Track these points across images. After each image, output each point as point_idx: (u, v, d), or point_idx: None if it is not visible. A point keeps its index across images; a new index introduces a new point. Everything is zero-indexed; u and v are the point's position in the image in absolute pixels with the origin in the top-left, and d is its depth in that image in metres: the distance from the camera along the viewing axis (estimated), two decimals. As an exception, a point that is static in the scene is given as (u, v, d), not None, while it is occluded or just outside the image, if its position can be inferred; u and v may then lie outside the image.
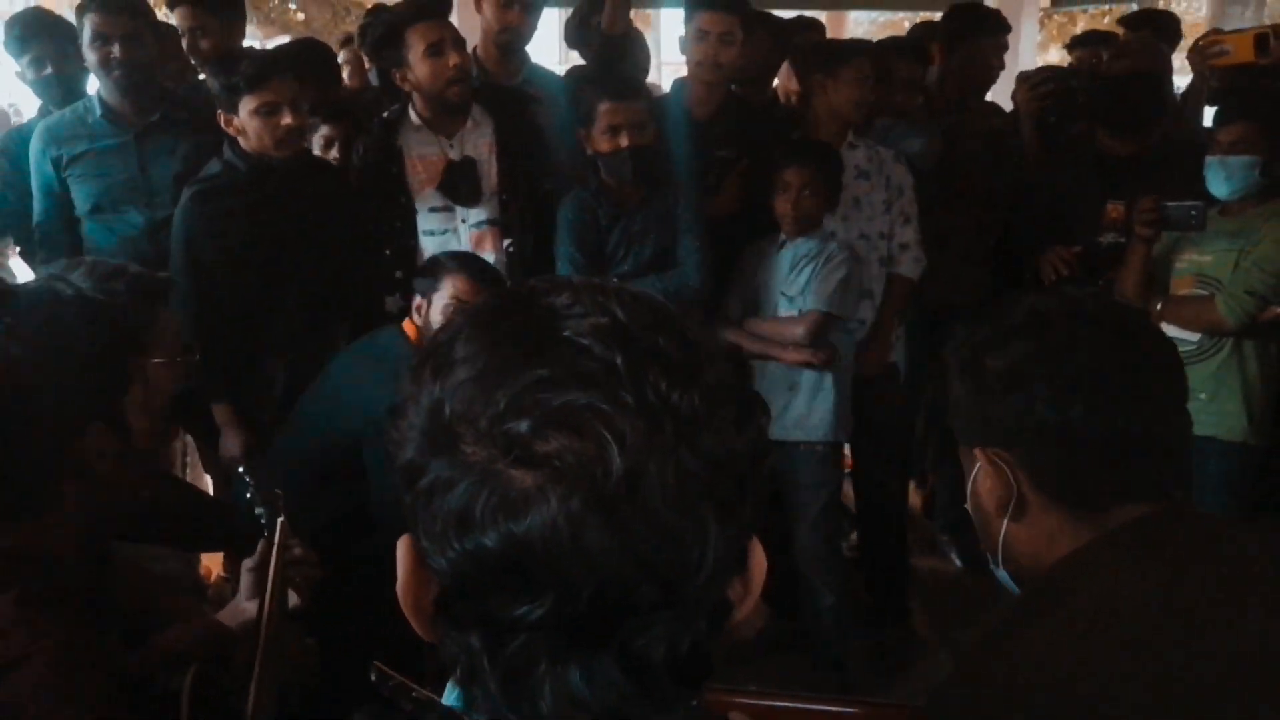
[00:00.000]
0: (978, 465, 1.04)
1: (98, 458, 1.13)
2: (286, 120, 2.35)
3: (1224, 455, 2.42)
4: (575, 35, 3.25)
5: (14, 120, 3.12)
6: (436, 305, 2.21)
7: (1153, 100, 2.87)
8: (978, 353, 1.02)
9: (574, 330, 0.54)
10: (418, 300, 2.25)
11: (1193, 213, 2.37)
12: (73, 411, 1.10)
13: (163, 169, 2.65)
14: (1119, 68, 2.95)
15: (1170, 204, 2.41)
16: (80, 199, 2.68)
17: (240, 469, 1.61)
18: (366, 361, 2.26)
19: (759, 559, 0.61)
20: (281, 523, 1.49)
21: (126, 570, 1.51)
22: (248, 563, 1.49)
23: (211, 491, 2.98)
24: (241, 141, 2.41)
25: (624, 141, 2.44)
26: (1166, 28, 3.85)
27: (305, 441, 2.28)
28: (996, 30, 3.23)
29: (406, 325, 2.28)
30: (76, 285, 1.30)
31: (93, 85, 2.84)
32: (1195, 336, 2.45)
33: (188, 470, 3.24)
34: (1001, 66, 3.26)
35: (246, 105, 2.35)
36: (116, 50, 2.58)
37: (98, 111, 2.68)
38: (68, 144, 2.66)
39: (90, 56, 2.62)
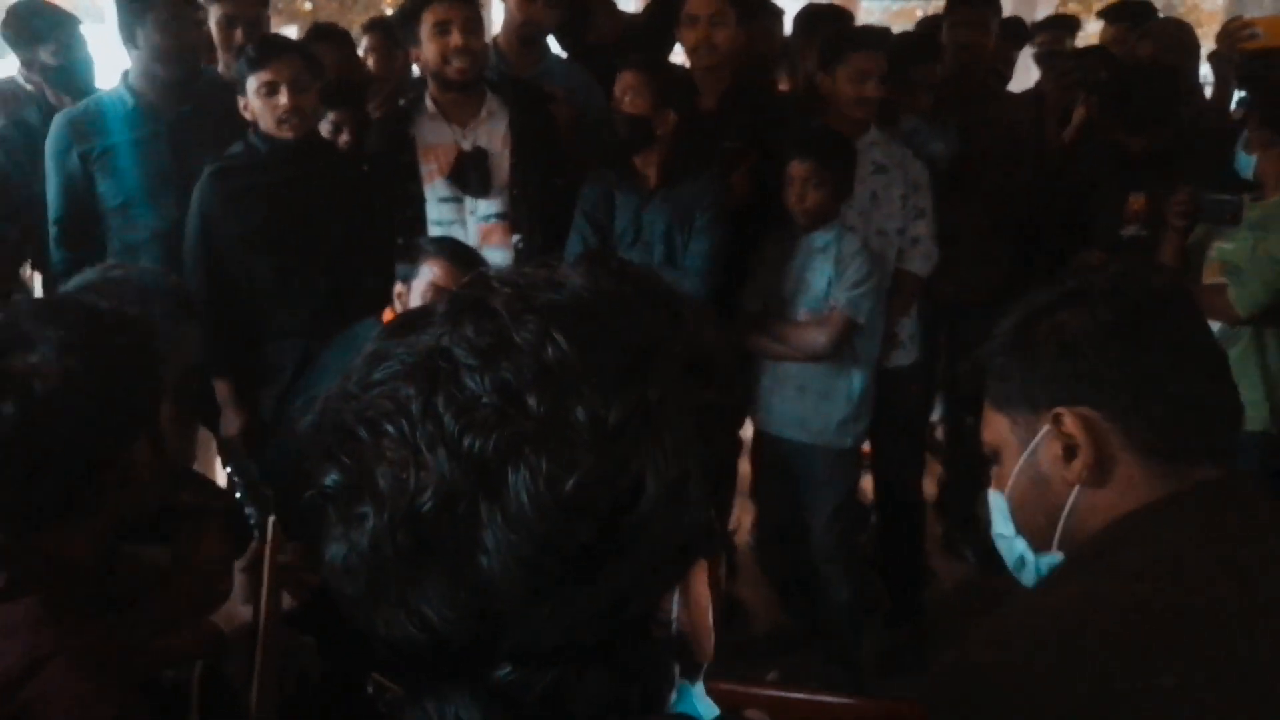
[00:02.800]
0: (1041, 433, 0.99)
1: (140, 467, 1.15)
2: (283, 100, 2.35)
3: (1246, 445, 2.37)
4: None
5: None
6: (415, 291, 2.18)
7: (1169, 95, 2.81)
8: (1054, 314, 1.00)
9: (402, 352, 0.53)
10: (399, 287, 2.22)
11: (1228, 206, 2.35)
12: (122, 424, 1.12)
13: (196, 159, 2.60)
14: (1141, 52, 2.90)
15: (1207, 195, 2.39)
16: (110, 193, 2.62)
17: (229, 469, 1.59)
18: (345, 355, 2.23)
19: (696, 595, 0.56)
20: (273, 522, 1.47)
21: (137, 569, 1.51)
22: (239, 564, 1.48)
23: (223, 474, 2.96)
24: (260, 123, 2.43)
25: (620, 108, 2.47)
26: (1144, 18, 3.80)
27: (293, 435, 2.25)
28: (967, 4, 3.20)
29: (387, 314, 2.25)
30: (112, 295, 1.32)
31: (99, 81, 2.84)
32: (1217, 325, 2.41)
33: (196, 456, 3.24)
34: (983, 40, 3.21)
35: (251, 85, 2.38)
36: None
37: (130, 102, 2.64)
38: (98, 136, 2.61)
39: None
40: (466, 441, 0.49)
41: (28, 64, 2.98)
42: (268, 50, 2.40)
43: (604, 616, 0.52)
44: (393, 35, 3.49)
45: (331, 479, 0.53)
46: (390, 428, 0.51)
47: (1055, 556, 1.03)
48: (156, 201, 2.62)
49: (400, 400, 0.51)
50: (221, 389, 2.46)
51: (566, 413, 0.49)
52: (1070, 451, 0.97)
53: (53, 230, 2.66)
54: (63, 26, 2.93)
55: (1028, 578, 1.07)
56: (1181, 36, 3.27)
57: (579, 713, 0.53)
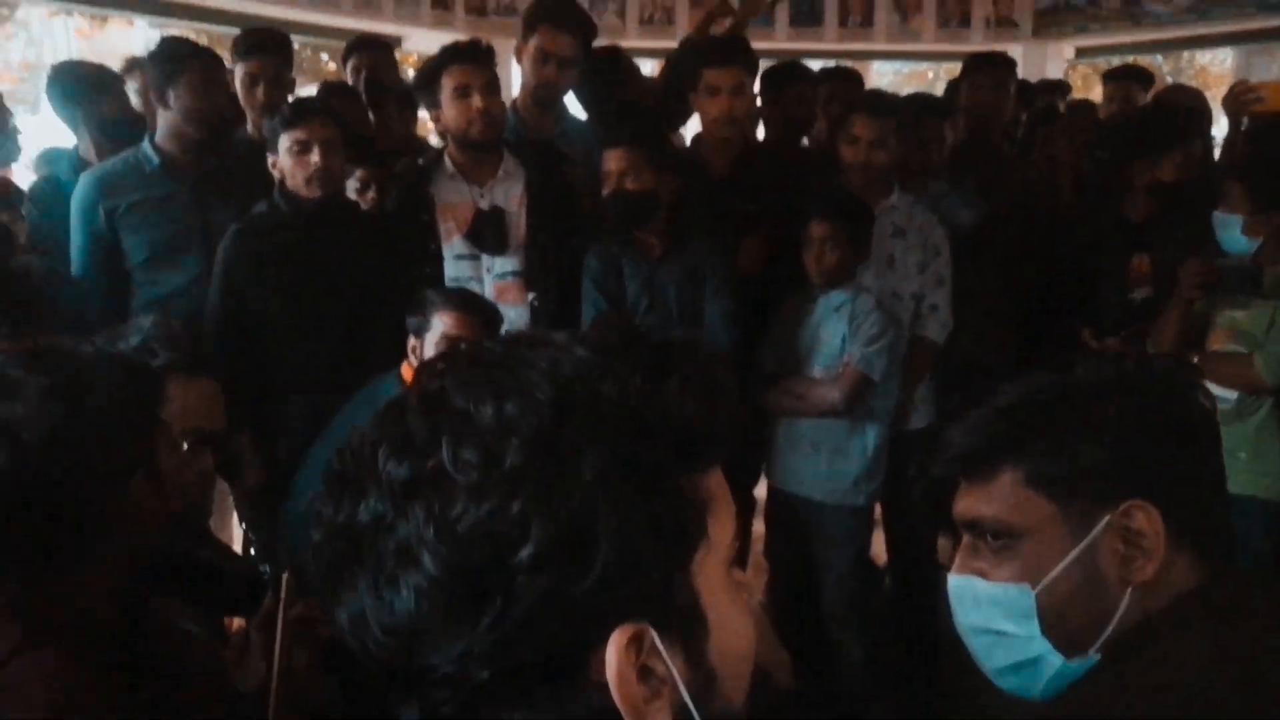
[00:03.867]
0: (1100, 526, 0.91)
1: (138, 509, 1.14)
2: (315, 159, 2.40)
3: (1263, 514, 2.36)
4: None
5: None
6: (429, 343, 2.20)
7: (1188, 122, 2.86)
8: (1105, 402, 0.94)
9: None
10: (412, 341, 2.25)
11: (1248, 275, 2.36)
12: (116, 465, 1.11)
13: (220, 216, 2.65)
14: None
15: (1222, 265, 2.40)
16: (135, 249, 2.66)
17: (244, 525, 1.60)
18: (364, 409, 2.25)
19: (610, 660, 0.55)
20: (286, 579, 1.48)
21: (159, 625, 1.50)
22: (255, 622, 1.48)
23: (239, 529, 2.96)
24: (287, 182, 2.47)
25: (609, 188, 2.49)
26: (1145, 80, 3.88)
27: (310, 491, 2.26)
28: (986, 68, 3.28)
29: (405, 369, 2.27)
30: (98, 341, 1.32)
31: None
32: (1234, 394, 2.40)
33: (214, 509, 3.24)
34: (999, 103, 3.27)
35: (283, 143, 2.43)
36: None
37: (155, 160, 2.69)
38: (123, 193, 2.66)
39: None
40: (388, 469, 0.55)
41: (77, 118, 3.03)
42: (302, 110, 2.45)
43: (500, 654, 0.53)
44: (399, 98, 3.59)
45: (313, 501, 0.59)
46: (350, 456, 0.58)
47: (1091, 659, 0.94)
48: (179, 258, 2.66)
49: (362, 434, 0.59)
50: (243, 442, 2.46)
51: (468, 455, 0.53)
52: (1132, 548, 0.91)
53: (82, 284, 2.69)
54: (118, 83, 3.04)
55: (1034, 684, 0.97)
56: (1194, 103, 3.32)
57: None
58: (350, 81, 3.37)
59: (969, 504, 0.98)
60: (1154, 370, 0.98)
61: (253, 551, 2.47)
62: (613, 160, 2.50)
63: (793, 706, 2.82)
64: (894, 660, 2.97)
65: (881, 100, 3.00)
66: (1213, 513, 0.96)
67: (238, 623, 3.16)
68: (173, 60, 2.69)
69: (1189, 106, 3.26)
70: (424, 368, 0.61)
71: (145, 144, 2.73)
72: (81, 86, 2.99)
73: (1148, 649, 0.90)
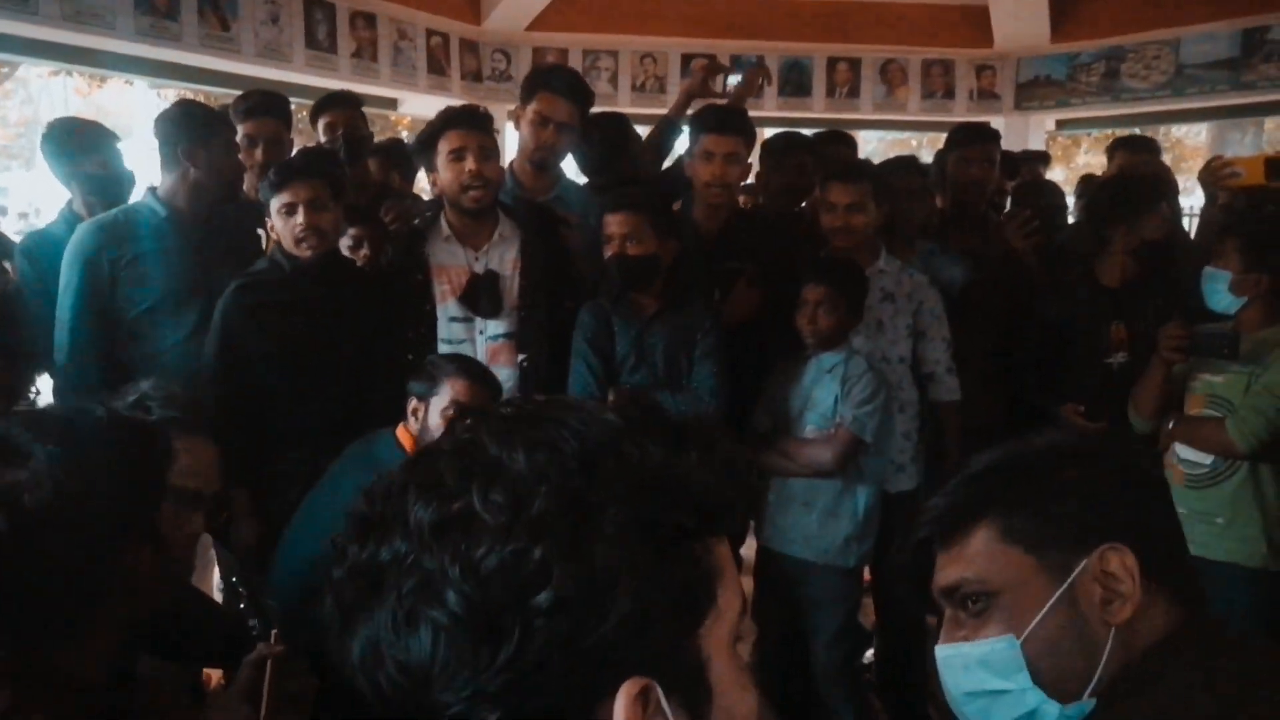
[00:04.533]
0: (1077, 571, 0.96)
1: (138, 574, 1.13)
2: (299, 219, 2.44)
3: (1247, 581, 2.37)
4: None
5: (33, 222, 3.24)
6: (434, 409, 2.22)
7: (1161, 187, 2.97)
8: (1078, 462, 1.01)
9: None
10: (413, 404, 2.26)
11: (1223, 340, 2.37)
12: (114, 530, 1.10)
13: (220, 272, 2.67)
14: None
15: (1201, 330, 2.43)
16: (137, 299, 2.66)
17: (234, 579, 1.60)
18: (357, 467, 2.26)
19: (618, 712, 0.56)
20: (275, 634, 1.48)
21: (144, 681, 1.49)
22: (240, 675, 1.47)
23: (220, 583, 2.93)
24: (282, 242, 2.52)
25: (612, 249, 2.54)
26: (1153, 150, 4.02)
27: (300, 548, 2.26)
28: (976, 141, 3.37)
29: (400, 431, 2.28)
30: (109, 404, 1.31)
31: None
32: (1209, 459, 2.43)
33: (195, 563, 3.21)
34: (986, 175, 3.36)
35: (274, 206, 2.48)
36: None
37: (162, 213, 2.72)
38: (129, 244, 2.67)
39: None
40: (416, 510, 0.57)
41: (67, 175, 3.08)
42: (286, 173, 2.49)
43: (510, 697, 0.54)
44: (392, 159, 3.64)
45: (336, 539, 0.61)
46: (376, 499, 0.60)
47: (1087, 704, 0.96)
48: (179, 311, 2.68)
49: (390, 478, 0.61)
50: (239, 498, 2.46)
51: (496, 499, 0.55)
52: (1110, 592, 0.95)
53: (66, 335, 2.66)
54: (107, 140, 3.07)
55: None
56: (1159, 171, 3.45)
57: None
58: (323, 138, 3.42)
59: (947, 572, 1.02)
60: (1107, 437, 1.08)
61: (243, 606, 2.45)
62: (615, 224, 2.55)
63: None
64: (882, 722, 2.94)
65: (854, 166, 3.08)
66: (1181, 559, 1.01)
67: (216, 675, 3.13)
68: (207, 123, 2.78)
69: (1155, 173, 3.38)
70: (455, 422, 0.63)
71: (149, 197, 2.76)
72: (71, 144, 3.03)
73: (1139, 688, 0.93)
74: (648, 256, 2.55)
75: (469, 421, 0.62)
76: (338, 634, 0.60)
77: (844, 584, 2.65)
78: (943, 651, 1.03)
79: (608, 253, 2.56)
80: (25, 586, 1.04)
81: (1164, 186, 3.01)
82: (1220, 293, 2.44)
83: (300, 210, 2.44)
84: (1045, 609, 0.95)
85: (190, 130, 2.73)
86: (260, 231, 2.97)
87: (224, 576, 2.94)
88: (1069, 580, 0.95)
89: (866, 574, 2.89)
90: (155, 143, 2.77)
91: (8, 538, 1.02)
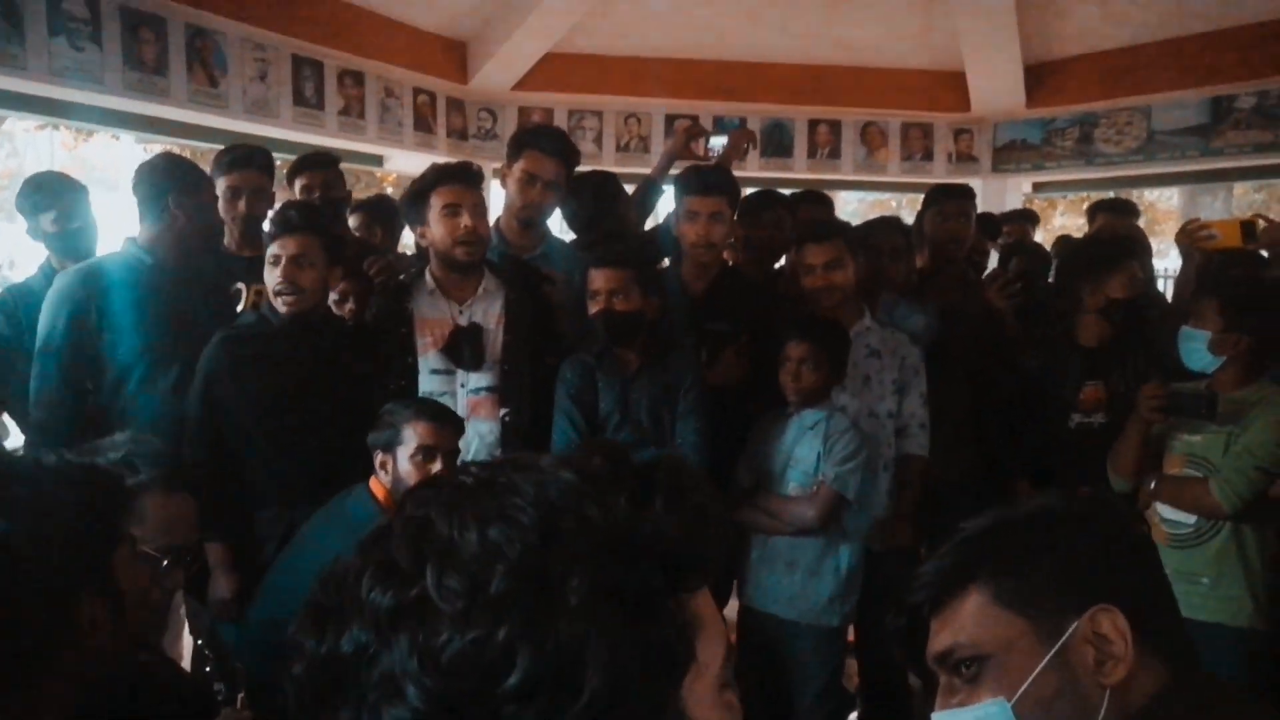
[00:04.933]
0: (1069, 632, 0.95)
1: (91, 628, 1.10)
2: (279, 274, 2.44)
3: (1233, 641, 2.36)
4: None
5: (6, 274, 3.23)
6: (402, 457, 2.22)
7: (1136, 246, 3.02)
8: (1065, 524, 1.02)
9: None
10: (380, 457, 2.25)
11: (1203, 400, 2.38)
12: (64, 581, 1.07)
13: (202, 320, 2.67)
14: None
15: (1179, 390, 2.44)
16: (119, 349, 2.61)
17: (199, 642, 1.56)
18: (331, 524, 2.24)
19: None
20: (240, 698, 1.44)
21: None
22: None
23: (190, 645, 2.86)
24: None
25: (599, 305, 2.54)
26: (1133, 213, 4.10)
27: (273, 607, 2.22)
28: (952, 197, 3.45)
29: (373, 484, 2.27)
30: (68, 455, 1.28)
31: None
32: (1191, 518, 2.43)
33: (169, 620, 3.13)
34: (963, 230, 3.43)
35: (267, 256, 2.49)
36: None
37: (148, 260, 2.69)
38: (114, 292, 2.63)
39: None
40: (372, 598, 0.54)
41: (32, 231, 3.09)
42: (280, 226, 2.50)
43: None
44: (375, 215, 3.66)
45: (293, 632, 0.58)
46: (332, 587, 0.57)
47: None
48: (161, 362, 2.64)
49: (345, 563, 0.58)
50: (214, 553, 2.42)
51: (452, 583, 0.52)
52: (1103, 653, 0.95)
53: (39, 383, 2.60)
54: (64, 195, 3.04)
55: None
56: (1130, 232, 3.51)
57: None
58: (298, 198, 3.41)
59: (940, 637, 1.02)
60: (1095, 499, 1.08)
61: (207, 669, 2.39)
62: (602, 280, 2.57)
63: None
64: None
65: (826, 225, 3.12)
66: (1171, 620, 1.01)
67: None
68: (194, 174, 2.82)
69: (1125, 234, 3.44)
70: (408, 495, 0.60)
71: (131, 246, 2.73)
72: (27, 202, 3.03)
73: None
74: (634, 312, 2.56)
75: (419, 496, 0.59)
76: None
77: (828, 644, 2.63)
78: (938, 718, 1.03)
79: (594, 308, 2.58)
80: None
81: (1131, 246, 3.06)
82: (1198, 352, 2.46)
83: (282, 264, 2.44)
84: (1036, 671, 0.95)
85: (180, 180, 2.75)
86: (240, 285, 2.97)
87: (193, 634, 2.88)
88: (1060, 642, 0.95)
89: (851, 634, 2.86)
90: (139, 193, 2.76)
91: None
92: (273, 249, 2.47)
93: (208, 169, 3.10)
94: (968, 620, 1.00)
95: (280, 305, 2.47)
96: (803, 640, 2.60)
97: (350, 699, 0.54)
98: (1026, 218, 4.85)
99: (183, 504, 1.57)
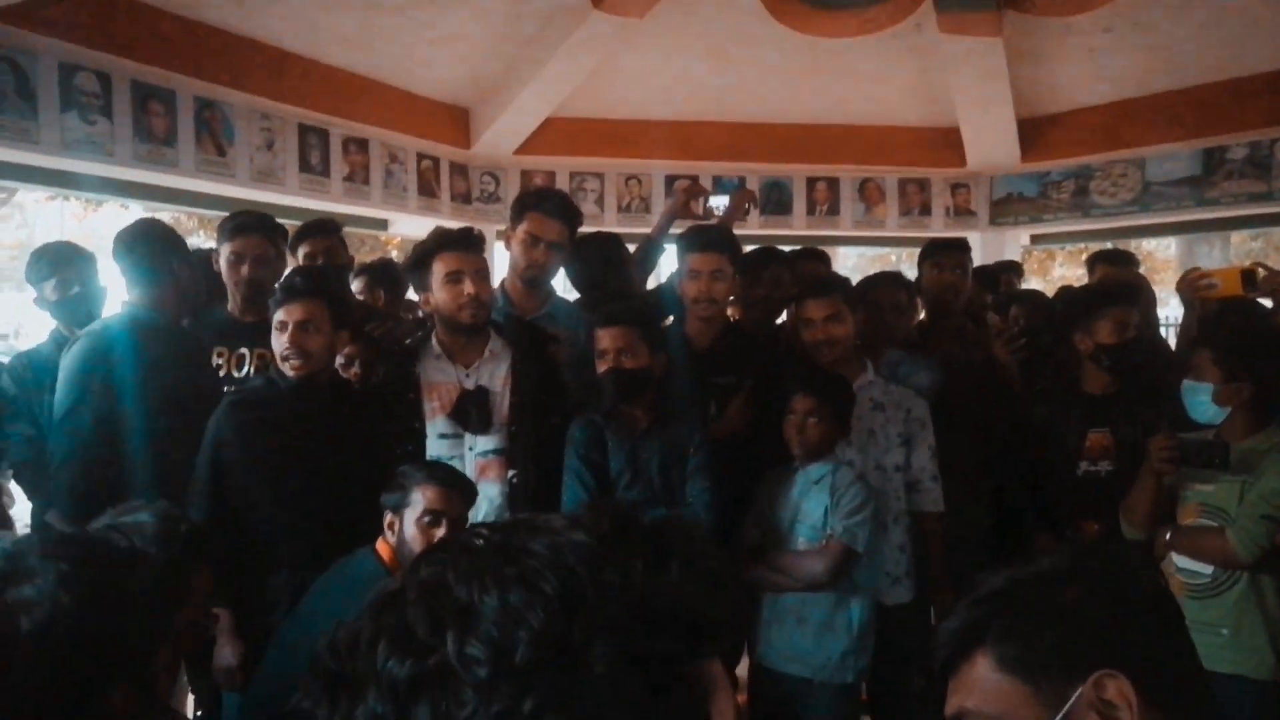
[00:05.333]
0: (1074, 699, 0.94)
1: (120, 716, 1.09)
2: (285, 338, 2.46)
3: (1256, 694, 2.32)
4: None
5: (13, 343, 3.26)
6: (409, 519, 2.21)
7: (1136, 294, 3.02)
8: (1070, 585, 1.00)
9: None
10: (389, 518, 2.24)
11: (1215, 450, 2.38)
12: (105, 668, 1.07)
13: (193, 383, 2.71)
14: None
15: (1189, 440, 2.44)
16: (131, 410, 2.61)
17: (199, 713, 1.54)
18: (339, 585, 2.23)
19: None
20: None
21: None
22: None
23: (192, 709, 2.82)
24: None
25: (607, 364, 2.55)
26: (1132, 263, 4.12)
27: (279, 669, 2.20)
28: (947, 250, 3.48)
29: (380, 545, 2.26)
30: (131, 535, 1.29)
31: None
32: (1208, 569, 2.41)
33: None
34: (959, 282, 3.45)
35: (273, 323, 2.51)
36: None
37: (160, 322, 2.75)
38: (127, 358, 2.64)
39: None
40: (389, 667, 0.52)
41: (38, 301, 3.12)
42: (287, 292, 2.52)
43: None
44: (378, 278, 3.69)
45: (300, 700, 0.57)
46: (344, 652, 0.56)
47: None
48: (161, 427, 2.64)
49: (354, 630, 0.56)
50: (221, 618, 2.38)
51: (475, 651, 0.51)
52: (1108, 718, 0.93)
53: (67, 442, 2.60)
54: (65, 263, 3.08)
55: None
56: (1128, 279, 3.53)
57: None
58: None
59: (952, 700, 1.01)
60: (1108, 554, 1.04)
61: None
62: (609, 339, 2.58)
63: None
64: None
65: (824, 280, 3.15)
66: (1188, 679, 0.98)
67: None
68: (180, 238, 2.90)
69: (1120, 280, 3.46)
70: (420, 558, 0.59)
71: (137, 310, 2.75)
72: (31, 273, 3.08)
73: None
74: (642, 369, 2.58)
75: (434, 559, 0.58)
76: None
77: (841, 701, 2.58)
78: None
79: (602, 367, 2.59)
80: (3, 712, 1.01)
81: (1122, 291, 3.07)
82: (1203, 404, 2.46)
83: (289, 330, 2.46)
84: None
85: (178, 240, 2.85)
86: (223, 347, 2.98)
87: (198, 704, 2.84)
88: (1064, 710, 0.94)
89: (864, 690, 2.82)
90: (134, 257, 2.78)
91: None
92: (279, 315, 2.49)
93: (209, 235, 3.15)
94: (974, 686, 0.99)
95: (287, 370, 2.48)
96: (817, 698, 2.56)
97: None
98: (1011, 268, 4.90)
99: (207, 579, 1.59)
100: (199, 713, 2.77)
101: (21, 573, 1.04)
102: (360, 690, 0.53)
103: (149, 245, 2.78)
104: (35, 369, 2.97)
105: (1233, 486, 2.40)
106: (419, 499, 2.21)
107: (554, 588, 0.53)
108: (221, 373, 2.98)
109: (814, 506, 2.59)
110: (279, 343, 2.49)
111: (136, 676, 1.12)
